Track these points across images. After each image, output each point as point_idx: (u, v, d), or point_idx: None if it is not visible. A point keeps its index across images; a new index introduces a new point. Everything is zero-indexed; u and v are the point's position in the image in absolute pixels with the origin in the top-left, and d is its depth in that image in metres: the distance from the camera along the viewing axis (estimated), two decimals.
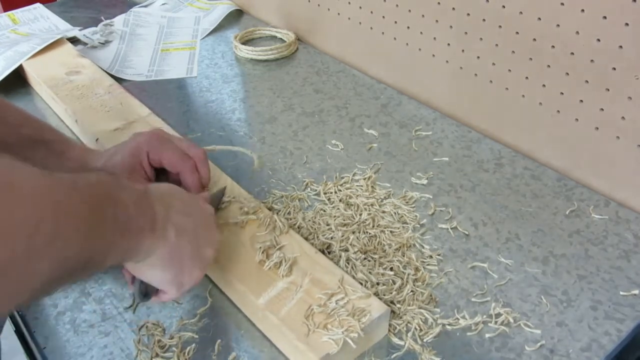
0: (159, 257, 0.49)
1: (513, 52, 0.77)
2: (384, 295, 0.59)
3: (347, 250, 0.64)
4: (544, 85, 0.75)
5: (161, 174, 0.66)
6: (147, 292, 0.53)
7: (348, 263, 0.63)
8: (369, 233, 0.67)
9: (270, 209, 0.67)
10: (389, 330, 0.57)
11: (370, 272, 0.62)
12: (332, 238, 0.66)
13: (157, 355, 0.55)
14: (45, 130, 0.66)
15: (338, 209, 0.70)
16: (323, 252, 0.63)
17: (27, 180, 0.35)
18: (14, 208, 0.33)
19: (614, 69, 0.67)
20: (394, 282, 0.61)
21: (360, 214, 0.69)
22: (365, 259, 0.64)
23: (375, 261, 0.63)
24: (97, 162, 0.65)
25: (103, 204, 0.42)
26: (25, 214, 0.34)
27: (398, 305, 0.59)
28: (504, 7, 0.75)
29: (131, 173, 0.63)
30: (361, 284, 0.58)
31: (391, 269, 0.63)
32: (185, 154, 0.65)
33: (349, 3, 0.99)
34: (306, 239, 0.64)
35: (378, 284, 0.61)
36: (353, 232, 0.67)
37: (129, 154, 0.64)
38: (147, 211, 0.47)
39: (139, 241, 0.46)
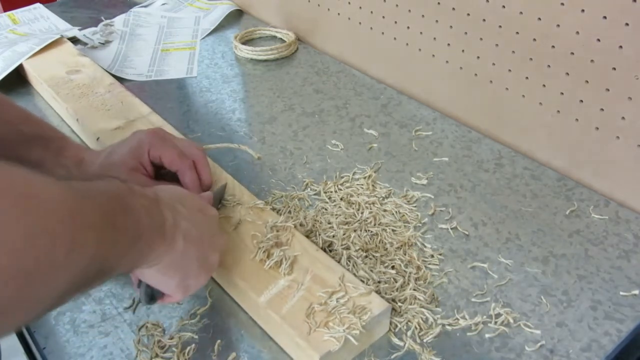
0: (167, 264, 0.49)
1: (513, 52, 0.77)
2: (386, 293, 0.59)
3: (348, 248, 0.64)
4: (544, 85, 0.75)
5: (161, 171, 0.66)
6: (153, 295, 0.53)
7: (349, 261, 0.63)
8: (371, 231, 0.67)
9: (271, 208, 0.67)
10: (390, 329, 0.57)
11: (371, 270, 0.62)
12: (333, 236, 0.66)
13: (156, 355, 0.55)
14: (44, 127, 0.66)
15: (339, 207, 0.70)
16: (324, 250, 0.63)
17: (42, 191, 0.35)
18: (33, 220, 0.33)
19: (614, 69, 0.67)
20: (396, 281, 0.61)
21: (362, 213, 0.69)
22: (366, 257, 0.64)
23: (376, 259, 0.63)
24: (95, 160, 0.65)
25: (116, 212, 0.41)
26: (44, 225, 0.33)
27: (399, 304, 0.59)
28: (504, 7, 0.75)
29: (132, 170, 0.63)
30: (363, 282, 0.58)
31: (393, 267, 0.63)
32: (183, 153, 0.65)
33: (349, 3, 0.99)
34: (307, 237, 0.64)
35: (379, 282, 0.61)
36: (354, 230, 0.67)
37: (130, 151, 0.64)
38: (158, 218, 0.47)
39: (150, 249, 0.46)
